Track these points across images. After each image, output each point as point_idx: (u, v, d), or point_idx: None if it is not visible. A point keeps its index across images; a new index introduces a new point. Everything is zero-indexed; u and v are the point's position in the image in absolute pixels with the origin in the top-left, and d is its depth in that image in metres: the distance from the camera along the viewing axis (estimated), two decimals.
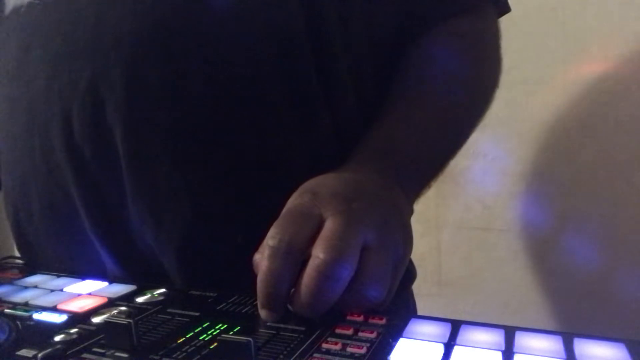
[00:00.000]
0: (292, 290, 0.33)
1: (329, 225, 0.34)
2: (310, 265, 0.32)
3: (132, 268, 0.47)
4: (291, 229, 0.33)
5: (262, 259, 0.33)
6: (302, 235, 0.33)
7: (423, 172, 0.48)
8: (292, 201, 0.37)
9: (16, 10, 0.50)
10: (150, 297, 0.39)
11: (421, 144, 0.47)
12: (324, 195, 0.36)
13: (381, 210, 0.38)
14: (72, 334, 0.32)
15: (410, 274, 0.56)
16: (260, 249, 0.35)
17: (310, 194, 0.37)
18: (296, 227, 0.34)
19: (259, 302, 0.33)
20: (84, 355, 0.30)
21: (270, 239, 0.33)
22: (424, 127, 0.48)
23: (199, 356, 0.29)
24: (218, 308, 0.36)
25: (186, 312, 0.35)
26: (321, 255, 0.32)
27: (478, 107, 0.52)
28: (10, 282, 0.44)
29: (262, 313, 0.33)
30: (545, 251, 0.88)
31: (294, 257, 0.33)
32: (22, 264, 0.52)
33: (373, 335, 0.30)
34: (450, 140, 0.51)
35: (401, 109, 0.49)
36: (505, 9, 0.57)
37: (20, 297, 0.40)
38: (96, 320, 0.35)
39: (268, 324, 0.33)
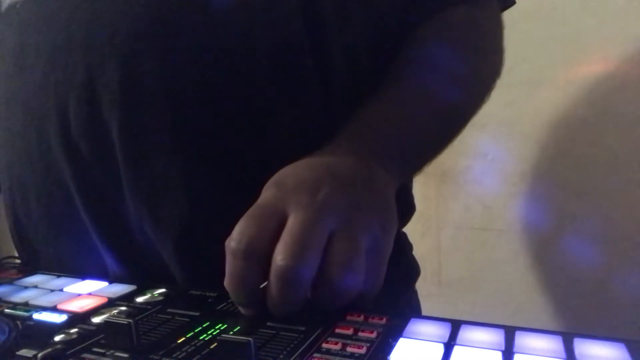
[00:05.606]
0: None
1: (289, 225, 0.34)
2: (272, 270, 0.32)
3: (132, 263, 0.47)
4: (252, 230, 0.33)
5: (227, 260, 0.34)
6: (263, 236, 0.33)
7: (409, 154, 0.47)
8: (261, 195, 0.37)
9: (12, 6, 0.50)
10: (150, 297, 0.39)
11: (406, 126, 0.47)
12: (289, 187, 0.36)
13: (352, 194, 0.37)
14: (72, 334, 0.32)
15: (413, 271, 0.56)
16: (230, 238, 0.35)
17: (274, 187, 0.37)
18: (257, 227, 0.34)
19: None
20: (84, 355, 0.30)
21: (232, 240, 0.33)
22: (411, 111, 0.48)
23: (199, 356, 0.29)
24: (218, 308, 0.36)
25: (186, 312, 0.35)
26: (279, 262, 0.32)
27: (474, 96, 0.52)
28: (10, 282, 0.44)
29: (240, 309, 0.34)
30: (545, 251, 0.88)
31: (256, 258, 0.33)
32: (21, 263, 0.52)
33: (373, 335, 0.30)
34: (442, 125, 0.50)
35: (390, 95, 0.48)
36: (509, 3, 0.56)
37: (20, 297, 0.40)
38: (96, 320, 0.35)
39: (268, 323, 0.33)
